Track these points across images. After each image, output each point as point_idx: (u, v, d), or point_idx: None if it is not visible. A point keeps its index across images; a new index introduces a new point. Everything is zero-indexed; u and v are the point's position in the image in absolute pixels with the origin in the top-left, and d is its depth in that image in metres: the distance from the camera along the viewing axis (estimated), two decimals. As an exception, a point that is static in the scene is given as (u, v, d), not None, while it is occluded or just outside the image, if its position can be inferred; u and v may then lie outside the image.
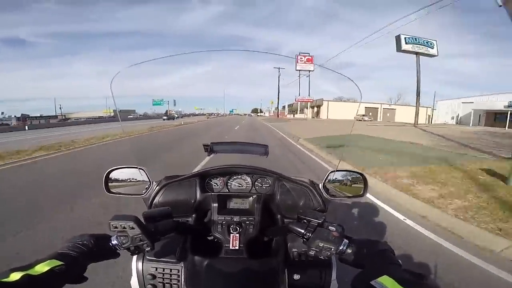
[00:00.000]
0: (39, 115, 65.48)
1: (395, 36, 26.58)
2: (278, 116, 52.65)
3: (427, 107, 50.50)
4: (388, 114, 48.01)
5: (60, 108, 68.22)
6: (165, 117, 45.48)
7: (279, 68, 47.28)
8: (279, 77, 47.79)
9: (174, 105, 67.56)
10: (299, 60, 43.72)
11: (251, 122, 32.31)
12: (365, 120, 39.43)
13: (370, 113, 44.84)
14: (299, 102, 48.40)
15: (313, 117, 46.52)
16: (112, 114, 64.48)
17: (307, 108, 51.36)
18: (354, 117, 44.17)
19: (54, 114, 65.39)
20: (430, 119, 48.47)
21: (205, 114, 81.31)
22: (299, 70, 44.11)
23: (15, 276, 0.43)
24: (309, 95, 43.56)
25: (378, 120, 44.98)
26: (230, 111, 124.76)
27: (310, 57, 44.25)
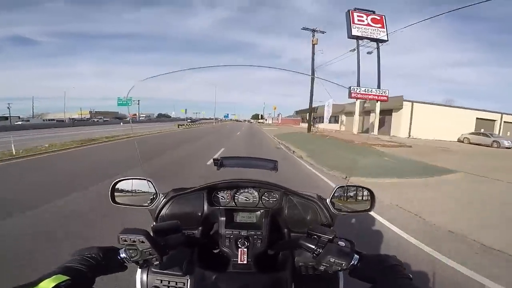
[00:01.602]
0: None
1: None
2: (310, 128, 25.82)
3: None
4: (509, 133, 25.69)
5: (8, 107, 48.71)
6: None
7: (313, 31, 24.66)
8: (313, 46, 23.92)
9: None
10: (355, 20, 21.95)
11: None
12: (507, 147, 17.78)
13: (483, 129, 22.80)
14: (357, 102, 22.58)
15: (370, 132, 24.51)
16: (88, 115, 62.07)
17: (350, 113, 28.90)
18: (463, 137, 23.04)
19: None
20: None
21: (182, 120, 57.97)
22: (357, 38, 22.23)
23: None
24: (379, 87, 21.63)
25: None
26: (225, 116, 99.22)
27: (379, 17, 22.50)
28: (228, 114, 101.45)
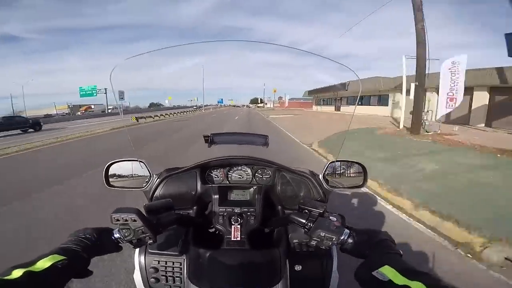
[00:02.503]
0: None
1: None
2: (418, 124, 8.79)
3: None
4: None
5: None
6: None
7: None
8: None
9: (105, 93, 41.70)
10: None
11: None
12: None
13: None
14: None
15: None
16: (67, 111, 56.45)
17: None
18: None
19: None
20: None
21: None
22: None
23: (17, 273, 0.42)
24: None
25: None
26: (219, 102, 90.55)
27: None
28: (222, 100, 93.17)
